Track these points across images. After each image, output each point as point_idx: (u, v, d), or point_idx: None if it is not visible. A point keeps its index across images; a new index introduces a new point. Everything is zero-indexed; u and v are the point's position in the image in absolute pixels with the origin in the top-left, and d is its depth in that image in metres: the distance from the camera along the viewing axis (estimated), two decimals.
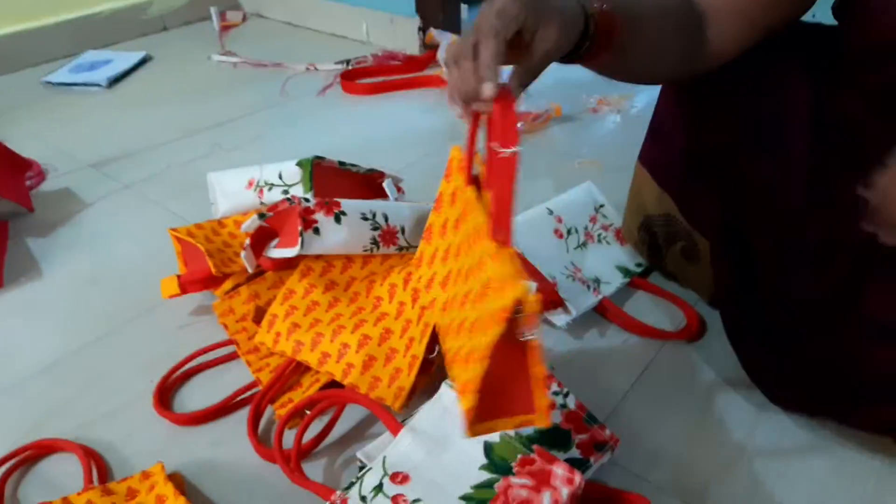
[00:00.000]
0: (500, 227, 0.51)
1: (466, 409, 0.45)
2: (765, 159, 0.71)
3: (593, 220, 0.92)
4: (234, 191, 0.93)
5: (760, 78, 0.71)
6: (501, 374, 0.47)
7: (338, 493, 0.56)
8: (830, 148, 0.66)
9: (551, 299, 0.81)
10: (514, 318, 0.45)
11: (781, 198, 0.70)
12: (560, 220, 0.90)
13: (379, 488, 0.54)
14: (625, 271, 0.88)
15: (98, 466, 0.66)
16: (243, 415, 0.71)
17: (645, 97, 1.42)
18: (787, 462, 0.66)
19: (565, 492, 0.53)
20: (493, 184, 0.51)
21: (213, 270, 0.81)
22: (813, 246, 0.67)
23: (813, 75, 0.70)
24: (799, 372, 0.67)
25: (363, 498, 0.54)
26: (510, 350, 0.46)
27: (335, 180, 0.93)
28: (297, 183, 0.91)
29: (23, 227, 1.05)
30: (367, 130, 1.35)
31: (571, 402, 0.67)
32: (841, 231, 0.64)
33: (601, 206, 0.94)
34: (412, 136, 1.32)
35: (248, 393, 0.73)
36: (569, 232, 0.89)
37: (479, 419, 0.46)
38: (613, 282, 0.86)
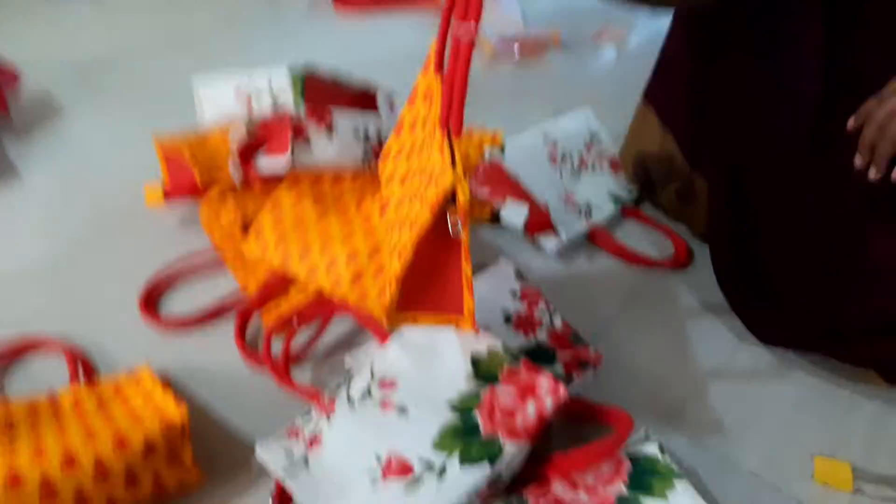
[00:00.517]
0: (450, 114, 0.49)
1: (389, 298, 0.44)
2: (774, 99, 0.70)
3: (589, 147, 0.91)
4: (222, 99, 0.90)
5: (775, 14, 0.69)
6: (429, 267, 0.45)
7: (326, 394, 0.57)
8: (840, 91, 0.65)
9: (542, 223, 0.81)
10: (445, 210, 0.44)
11: (787, 139, 0.69)
12: (555, 146, 0.89)
13: (367, 392, 0.55)
14: (617, 199, 0.88)
15: (84, 366, 0.66)
16: (230, 323, 0.70)
17: (646, 30, 1.38)
18: (761, 386, 0.68)
19: (549, 402, 0.54)
20: (449, 68, 0.49)
21: (199, 181, 0.79)
22: (815, 190, 0.67)
23: (828, 14, 0.68)
24: (785, 312, 0.68)
25: (351, 400, 0.55)
26: (440, 244, 0.45)
27: (328, 96, 0.90)
28: (287, 95, 0.88)
29: None
30: (361, 49, 1.31)
31: (558, 322, 0.68)
32: (844, 175, 0.63)
33: (598, 134, 0.93)
34: (408, 55, 1.27)
35: (235, 301, 0.73)
36: (563, 158, 0.88)
37: (401, 308, 0.45)
38: (605, 209, 0.86)
